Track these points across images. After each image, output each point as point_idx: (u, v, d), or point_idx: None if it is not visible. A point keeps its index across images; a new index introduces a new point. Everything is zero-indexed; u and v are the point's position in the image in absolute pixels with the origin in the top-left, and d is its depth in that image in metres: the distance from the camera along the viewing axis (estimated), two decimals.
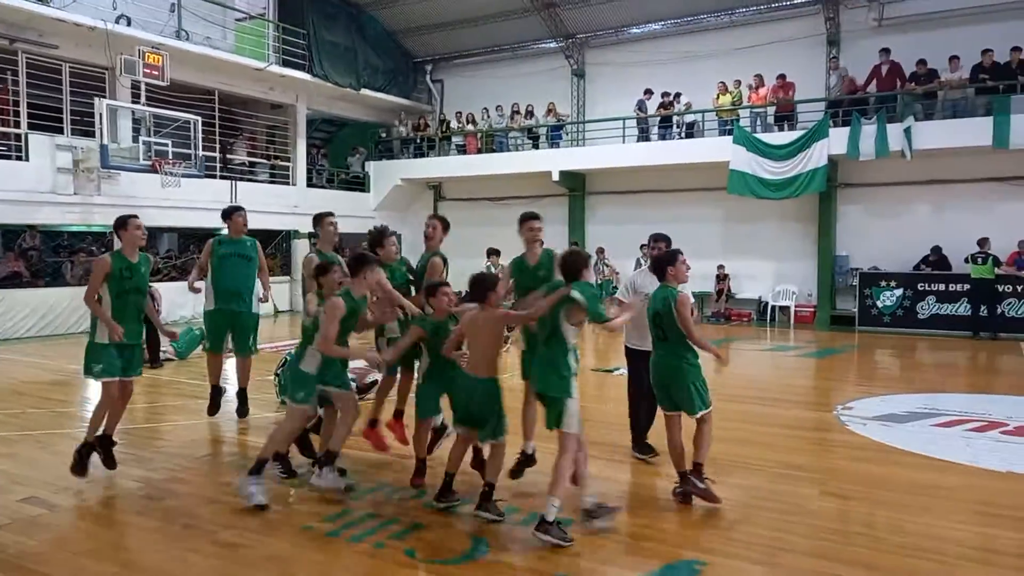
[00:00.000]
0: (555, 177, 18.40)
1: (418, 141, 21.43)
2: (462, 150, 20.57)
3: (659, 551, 4.28)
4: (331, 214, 6.50)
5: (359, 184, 21.71)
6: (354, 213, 19.57)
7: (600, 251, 17.36)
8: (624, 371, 10.30)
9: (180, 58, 15.42)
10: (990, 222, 14.49)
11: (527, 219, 5.43)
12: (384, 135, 22.25)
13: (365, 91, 20.26)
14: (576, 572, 4.04)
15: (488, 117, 20.29)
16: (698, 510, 4.89)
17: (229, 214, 7.10)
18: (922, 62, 15.07)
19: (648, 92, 18.03)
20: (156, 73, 14.51)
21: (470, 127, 20.30)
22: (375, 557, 4.14)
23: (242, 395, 7.29)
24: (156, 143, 14.66)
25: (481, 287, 4.73)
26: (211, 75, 17.14)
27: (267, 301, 7.51)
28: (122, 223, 5.50)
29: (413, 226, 18.01)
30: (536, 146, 19.92)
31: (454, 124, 20.79)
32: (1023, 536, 4.51)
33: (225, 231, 7.13)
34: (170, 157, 14.74)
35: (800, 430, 7.26)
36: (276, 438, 5.19)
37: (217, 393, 7.24)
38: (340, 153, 22.77)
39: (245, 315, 7.07)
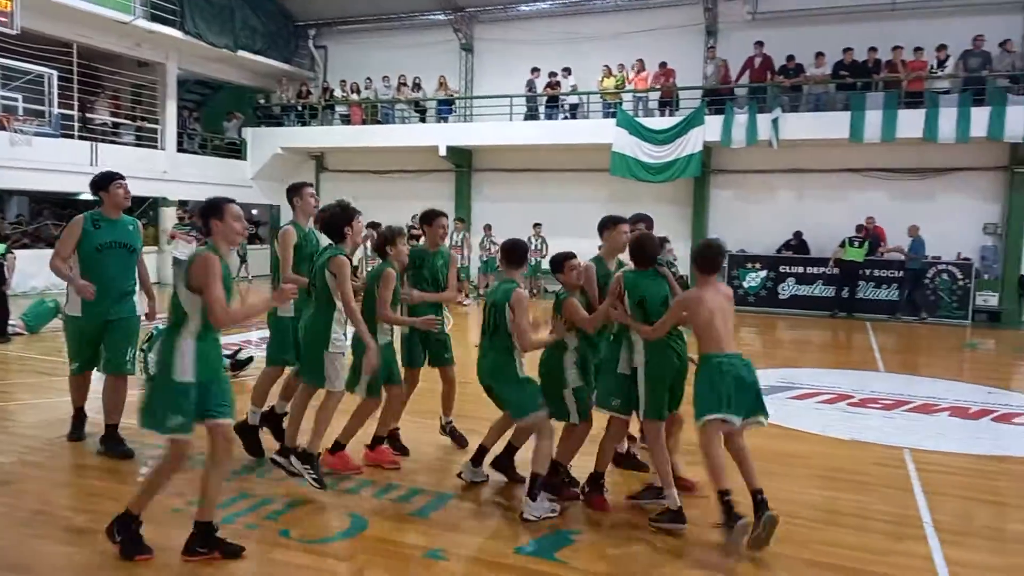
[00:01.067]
0: (442, 152, 18.24)
1: (300, 109, 20.64)
2: (346, 120, 19.99)
3: (539, 525, 4.38)
4: (309, 184, 5.51)
5: (235, 151, 20.69)
6: (229, 182, 18.69)
7: (487, 228, 17.42)
8: None
9: (33, 5, 14.05)
10: (843, 209, 15.63)
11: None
12: (263, 101, 21.28)
13: (242, 53, 19.24)
14: (454, 547, 4.07)
15: (374, 87, 19.81)
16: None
17: (105, 184, 5.26)
18: (791, 57, 15.99)
19: (535, 71, 18.16)
20: (4, 20, 13.20)
21: (355, 97, 19.75)
22: (247, 538, 4.01)
23: (112, 433, 5.38)
24: (4, 97, 13.38)
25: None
26: (69, 26, 15.74)
27: (153, 318, 5.62)
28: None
29: None
30: (423, 120, 19.66)
31: (338, 93, 20.15)
32: (860, 497, 4.94)
33: (102, 209, 5.34)
34: (20, 113, 13.51)
35: None
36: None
37: (81, 418, 5.69)
38: (215, 118, 21.59)
39: (127, 321, 5.40)
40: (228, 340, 6.67)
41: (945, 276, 14.70)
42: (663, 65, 16.92)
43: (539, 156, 18.33)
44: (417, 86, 19.42)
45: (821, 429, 6.59)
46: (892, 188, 15.89)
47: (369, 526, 4.27)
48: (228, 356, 7.38)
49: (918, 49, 15.09)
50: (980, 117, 14.02)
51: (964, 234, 15.46)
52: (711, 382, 4.20)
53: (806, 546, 4.15)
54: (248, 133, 20.57)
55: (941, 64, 14.96)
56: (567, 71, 17.82)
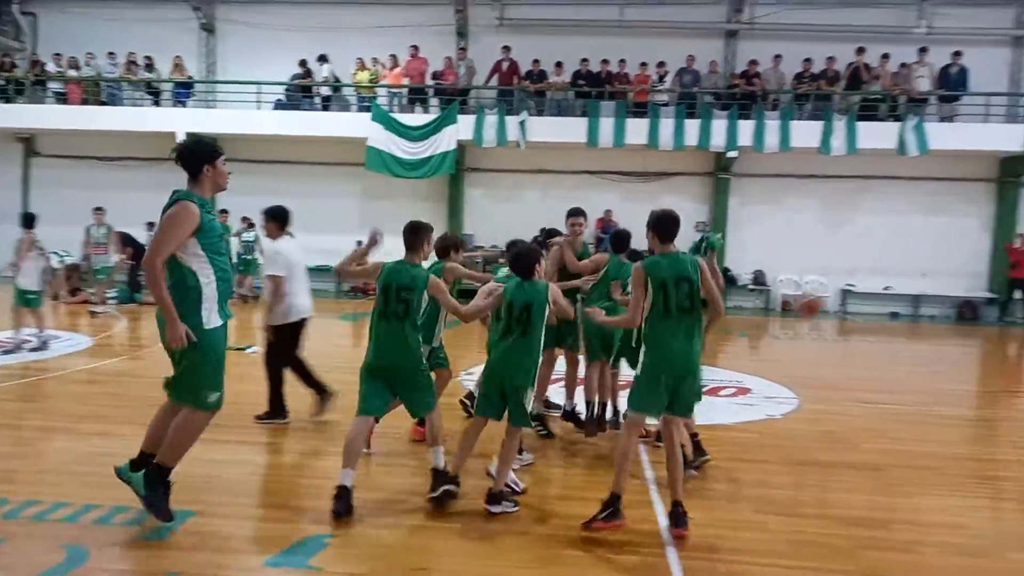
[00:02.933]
0: (180, 139, 16.77)
1: (3, 84, 17.78)
2: (62, 99, 17.61)
3: (286, 531, 4.20)
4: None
5: None
6: None
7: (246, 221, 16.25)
8: (256, 349, 9.88)
9: None
10: (585, 208, 16.90)
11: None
12: None
13: None
14: (195, 568, 3.77)
15: (96, 63, 17.66)
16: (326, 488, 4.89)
17: (214, 157, 4.26)
18: (536, 62, 16.96)
19: (289, 59, 17.38)
20: None
21: (72, 72, 17.46)
22: None
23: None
24: None
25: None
26: None
27: None
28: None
29: None
30: (158, 103, 17.95)
31: (51, 67, 17.69)
32: None
33: None
34: None
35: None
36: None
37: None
38: None
39: None
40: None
41: None
42: (417, 60, 17.10)
43: (290, 148, 17.59)
44: (150, 66, 17.66)
45: None
46: (623, 190, 17.53)
47: (89, 557, 3.81)
48: None
49: (643, 64, 16.79)
50: (692, 128, 15.97)
51: (681, 232, 17.46)
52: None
53: (544, 522, 4.43)
54: None
55: (661, 79, 16.79)
56: (323, 59, 17.31)
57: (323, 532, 4.18)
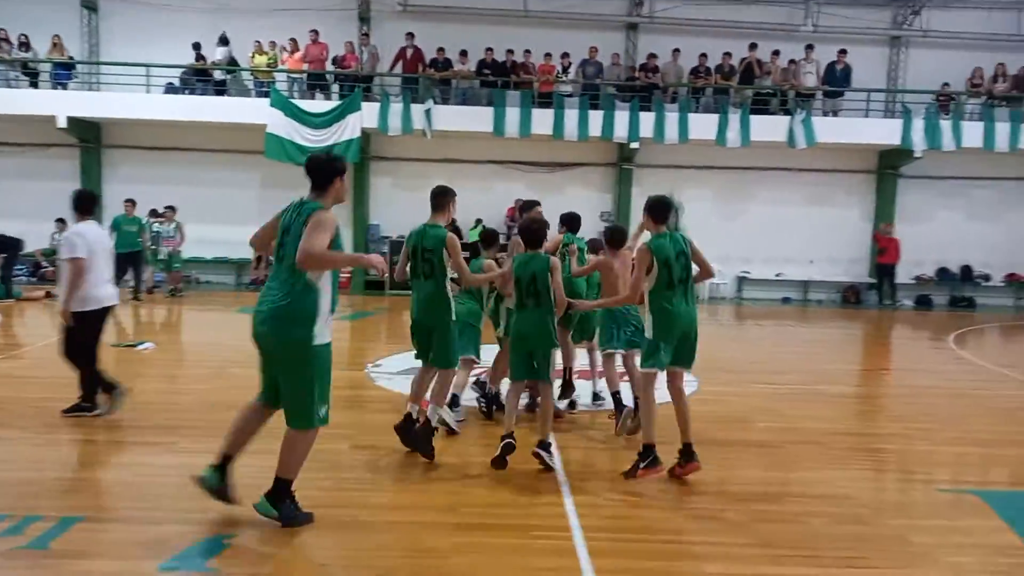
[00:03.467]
0: (61, 124, 15.72)
1: None
2: None
3: (182, 533, 4.03)
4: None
5: None
6: None
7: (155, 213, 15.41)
8: (150, 346, 9.44)
9: None
10: (489, 199, 16.95)
11: None
12: None
13: None
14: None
15: None
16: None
17: (341, 171, 4.35)
18: (441, 50, 16.81)
19: (181, 41, 16.54)
20: None
21: None
22: None
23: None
24: None
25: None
26: None
27: None
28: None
29: None
30: (36, 85, 16.74)
31: None
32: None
33: None
34: None
35: (335, 389, 7.56)
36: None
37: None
38: None
39: None
40: None
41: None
42: (317, 45, 16.64)
43: (184, 134, 16.77)
44: (25, 45, 16.44)
45: (473, 402, 7.05)
46: (530, 180, 17.66)
47: None
48: None
49: (547, 55, 16.93)
50: (596, 119, 16.24)
51: (586, 221, 17.79)
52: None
53: (454, 511, 4.45)
54: None
55: (565, 70, 16.98)
56: (224, 40, 16.59)
57: (222, 533, 4.03)
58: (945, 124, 16.36)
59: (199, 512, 4.25)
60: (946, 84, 17.35)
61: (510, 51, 16.91)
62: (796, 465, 5.63)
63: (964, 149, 16.42)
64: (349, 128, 15.95)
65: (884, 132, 16.71)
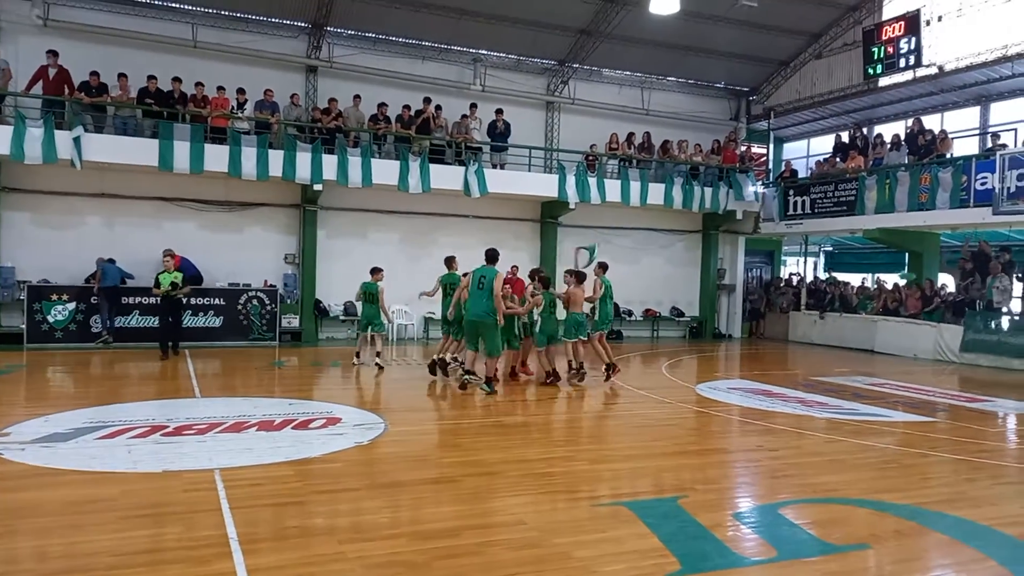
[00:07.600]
0: None
1: None
2: None
3: None
4: None
5: None
6: None
7: None
8: None
9: None
10: (161, 238, 15.39)
11: None
12: None
13: None
14: None
15: None
16: None
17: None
18: (95, 74, 15.00)
19: None
20: None
21: None
22: None
23: None
24: None
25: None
26: None
27: None
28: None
29: None
30: None
31: None
32: (167, 529, 4.82)
33: None
34: None
35: None
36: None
37: None
38: None
39: None
40: None
41: (255, 302, 15.99)
42: None
43: None
44: None
45: (132, 466, 6.27)
46: (203, 219, 16.46)
47: None
48: None
49: (221, 88, 16.04)
50: (276, 159, 15.71)
51: (269, 263, 17.11)
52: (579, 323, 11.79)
53: None
54: None
55: (241, 106, 16.23)
56: None
57: None
58: (592, 180, 18.82)
59: None
60: (593, 145, 20.01)
61: (177, 80, 15.69)
62: (475, 497, 5.86)
63: (607, 203, 19.03)
64: None
65: (544, 185, 18.67)
